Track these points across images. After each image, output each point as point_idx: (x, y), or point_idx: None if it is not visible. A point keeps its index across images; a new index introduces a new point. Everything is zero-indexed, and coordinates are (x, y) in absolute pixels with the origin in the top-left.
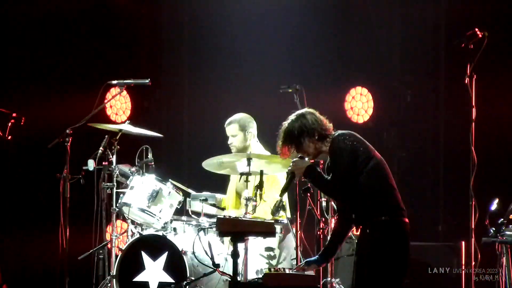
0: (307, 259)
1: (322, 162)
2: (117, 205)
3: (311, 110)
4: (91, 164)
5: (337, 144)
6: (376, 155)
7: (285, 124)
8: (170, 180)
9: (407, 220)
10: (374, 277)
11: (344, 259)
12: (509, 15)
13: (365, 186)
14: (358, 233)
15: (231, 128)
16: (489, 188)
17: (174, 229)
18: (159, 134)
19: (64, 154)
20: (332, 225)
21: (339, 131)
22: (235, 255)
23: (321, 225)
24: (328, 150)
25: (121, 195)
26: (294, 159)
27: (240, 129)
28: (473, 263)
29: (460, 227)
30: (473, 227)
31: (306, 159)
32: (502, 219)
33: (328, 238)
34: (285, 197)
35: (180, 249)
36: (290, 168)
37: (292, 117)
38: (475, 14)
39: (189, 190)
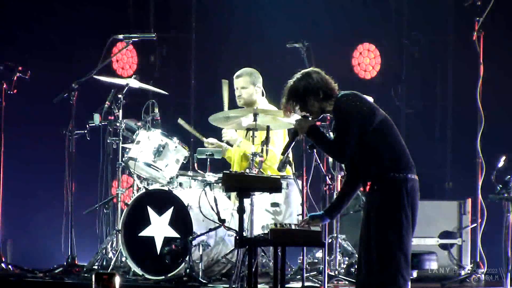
0: (312, 213)
1: (329, 117)
2: (123, 159)
3: (317, 69)
4: (96, 119)
5: (340, 104)
6: (381, 113)
7: (290, 82)
8: (180, 119)
9: (416, 176)
10: (382, 233)
11: (350, 216)
12: None
13: (372, 144)
14: (365, 190)
15: (241, 80)
16: (496, 145)
17: (180, 184)
18: (165, 91)
19: (70, 109)
20: (339, 181)
21: (343, 92)
22: (241, 210)
23: (328, 181)
24: (332, 111)
25: (127, 150)
26: (298, 118)
27: (251, 82)
28: (479, 220)
29: (467, 184)
30: (480, 184)
31: (310, 118)
32: (509, 176)
33: (335, 194)
34: (290, 153)
35: (186, 204)
36: (293, 126)
37: (297, 75)
38: None
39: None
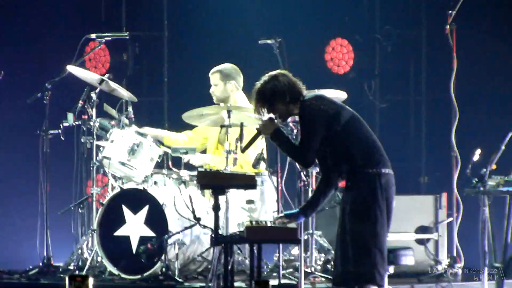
0: (286, 212)
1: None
2: (97, 158)
3: (284, 72)
4: (70, 118)
5: (304, 109)
6: (348, 111)
7: (258, 84)
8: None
9: (391, 171)
10: (357, 230)
11: (326, 212)
12: None
13: (342, 143)
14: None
15: (213, 77)
16: (471, 139)
17: (155, 183)
18: (138, 89)
19: (43, 109)
20: (314, 178)
21: (308, 95)
22: (216, 208)
23: (303, 177)
24: (298, 115)
25: (101, 149)
26: (263, 119)
27: (221, 78)
28: (455, 214)
29: (443, 178)
30: (455, 178)
31: (276, 120)
32: (484, 170)
33: (310, 191)
34: (265, 150)
35: (161, 203)
36: (257, 126)
37: (264, 77)
38: None
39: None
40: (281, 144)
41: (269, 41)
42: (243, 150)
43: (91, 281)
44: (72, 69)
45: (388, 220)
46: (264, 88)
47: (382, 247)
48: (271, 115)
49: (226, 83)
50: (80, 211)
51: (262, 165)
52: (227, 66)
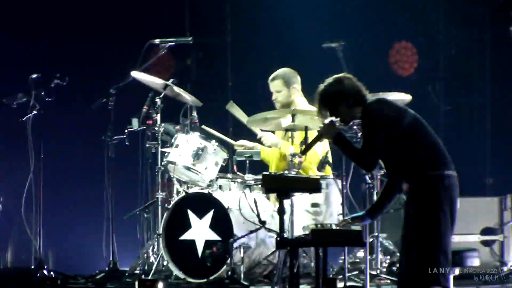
0: (353, 215)
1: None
2: (162, 163)
3: (348, 75)
4: (135, 123)
5: (366, 113)
6: (410, 113)
7: (322, 87)
8: (203, 127)
9: (454, 172)
10: (421, 232)
11: (391, 214)
12: None
13: (404, 146)
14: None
15: (275, 84)
16: None
17: (220, 187)
18: (199, 99)
19: (108, 114)
20: (378, 180)
21: (370, 99)
22: (281, 211)
23: (367, 180)
24: (361, 119)
25: (166, 154)
26: (325, 122)
27: (284, 84)
28: None
29: (508, 180)
30: None
31: (338, 124)
32: None
33: (375, 194)
34: (330, 153)
35: (226, 207)
36: (319, 129)
37: (329, 80)
38: None
39: (229, 141)
40: (342, 148)
41: (333, 45)
42: (303, 152)
43: (160, 285)
44: (136, 74)
45: (452, 222)
46: (328, 90)
47: (447, 249)
48: (333, 118)
49: (290, 89)
50: (145, 215)
51: (327, 168)
52: (286, 71)
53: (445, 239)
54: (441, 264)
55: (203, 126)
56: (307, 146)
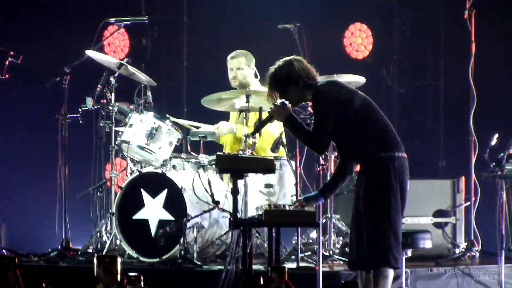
0: (306, 195)
1: (311, 104)
2: (116, 143)
3: (298, 57)
4: (89, 102)
5: (317, 95)
6: (360, 96)
7: (272, 69)
8: (168, 116)
9: (404, 154)
10: (371, 213)
11: (344, 196)
12: None
13: (355, 128)
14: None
15: (237, 61)
16: (488, 123)
17: (174, 167)
18: (154, 78)
19: (62, 93)
20: (332, 162)
21: (320, 81)
22: (234, 192)
23: (321, 161)
24: (311, 101)
25: (120, 133)
26: (276, 103)
27: (246, 63)
28: (473, 198)
29: (461, 163)
30: (473, 162)
31: (289, 105)
32: (502, 154)
33: (328, 175)
34: (284, 134)
35: (180, 186)
36: (270, 111)
37: (279, 62)
38: None
39: (191, 124)
40: (293, 130)
41: (288, 26)
42: (253, 133)
43: (119, 261)
44: (91, 53)
45: (402, 203)
46: (278, 73)
47: (397, 230)
48: (284, 100)
49: (249, 68)
50: (98, 194)
51: (281, 149)
52: (247, 52)
53: (395, 220)
54: (391, 244)
55: (168, 115)
56: (257, 127)
